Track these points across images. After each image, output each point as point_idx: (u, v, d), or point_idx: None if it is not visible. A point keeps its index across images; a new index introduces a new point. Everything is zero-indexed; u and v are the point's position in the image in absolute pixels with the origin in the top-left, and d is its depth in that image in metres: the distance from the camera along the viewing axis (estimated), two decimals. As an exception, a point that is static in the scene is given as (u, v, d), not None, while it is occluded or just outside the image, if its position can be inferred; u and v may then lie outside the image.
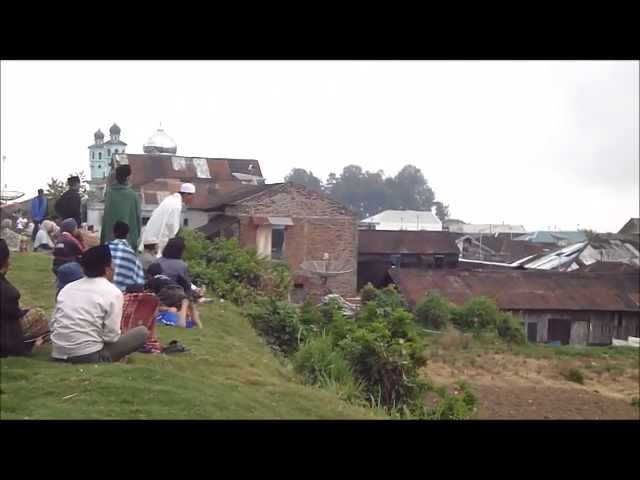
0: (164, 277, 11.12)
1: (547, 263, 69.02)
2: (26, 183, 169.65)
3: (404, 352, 13.81)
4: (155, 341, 8.33)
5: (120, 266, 10.60)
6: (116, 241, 11.51)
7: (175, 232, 14.11)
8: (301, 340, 14.47)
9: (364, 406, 9.53)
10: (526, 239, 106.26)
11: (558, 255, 70.21)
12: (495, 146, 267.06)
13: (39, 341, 7.53)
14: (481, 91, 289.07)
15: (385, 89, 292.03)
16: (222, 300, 16.40)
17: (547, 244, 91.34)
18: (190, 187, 14.76)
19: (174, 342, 8.57)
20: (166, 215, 13.82)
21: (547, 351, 39.77)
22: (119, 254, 10.91)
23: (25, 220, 27.63)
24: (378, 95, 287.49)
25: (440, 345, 37.14)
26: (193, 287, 12.30)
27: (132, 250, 11.73)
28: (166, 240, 13.48)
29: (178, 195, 14.29)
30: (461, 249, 76.71)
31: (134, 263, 11.47)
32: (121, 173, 14.33)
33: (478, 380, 31.23)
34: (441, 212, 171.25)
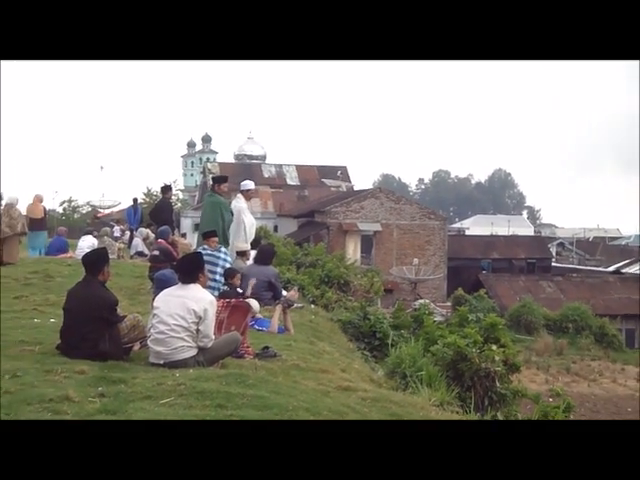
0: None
1: (645, 267, 66.80)
2: (122, 192, 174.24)
3: (497, 358, 13.63)
4: (248, 346, 8.43)
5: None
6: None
7: (252, 229, 14.34)
8: (392, 346, 14.42)
9: (457, 413, 9.41)
10: (623, 243, 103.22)
11: (657, 259, 67.81)
12: (589, 148, 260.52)
13: (137, 346, 7.73)
14: (573, 92, 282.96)
15: (475, 92, 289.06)
16: (313, 306, 16.48)
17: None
18: (248, 184, 14.92)
19: (266, 347, 8.64)
20: (235, 217, 14.07)
21: (647, 358, 38.53)
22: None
23: (121, 228, 28.31)
24: (468, 98, 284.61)
25: (533, 351, 36.43)
26: (284, 292, 12.43)
27: (213, 253, 12.05)
28: (243, 240, 13.79)
29: (240, 196, 14.49)
30: (554, 253, 74.95)
31: (216, 265, 11.78)
32: (214, 181, 14.70)
33: (574, 387, 30.52)
34: (533, 216, 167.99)
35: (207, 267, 10.74)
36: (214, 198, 14.03)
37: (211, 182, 15.30)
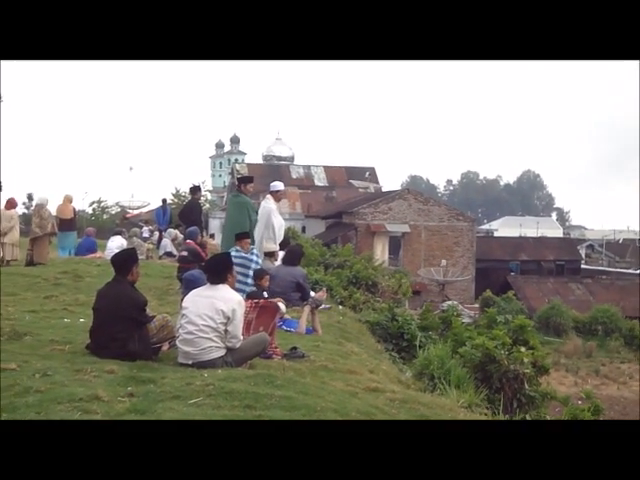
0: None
1: (676, 269, 65.95)
2: (151, 193, 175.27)
3: (526, 360, 13.53)
4: (276, 347, 8.43)
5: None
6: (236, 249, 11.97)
7: (281, 230, 14.34)
8: (420, 347, 14.37)
9: (485, 415, 9.36)
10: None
11: (688, 261, 67.02)
12: (619, 149, 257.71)
13: (166, 346, 7.76)
14: (603, 93, 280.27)
15: (505, 93, 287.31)
16: (340, 307, 16.46)
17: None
18: (277, 185, 14.95)
19: (294, 348, 8.65)
20: (264, 218, 14.07)
21: (678, 361, 38.05)
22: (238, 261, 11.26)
23: (150, 229, 28.45)
24: (497, 99, 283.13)
25: (562, 354, 36.16)
26: (312, 293, 12.43)
27: (246, 256, 12.02)
28: (272, 240, 13.81)
29: (269, 197, 14.50)
30: (583, 255, 74.38)
31: (248, 268, 11.76)
32: (240, 181, 14.73)
33: (603, 390, 30.26)
34: (562, 218, 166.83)
35: (239, 270, 10.75)
36: (240, 198, 14.06)
37: (237, 182, 15.35)
